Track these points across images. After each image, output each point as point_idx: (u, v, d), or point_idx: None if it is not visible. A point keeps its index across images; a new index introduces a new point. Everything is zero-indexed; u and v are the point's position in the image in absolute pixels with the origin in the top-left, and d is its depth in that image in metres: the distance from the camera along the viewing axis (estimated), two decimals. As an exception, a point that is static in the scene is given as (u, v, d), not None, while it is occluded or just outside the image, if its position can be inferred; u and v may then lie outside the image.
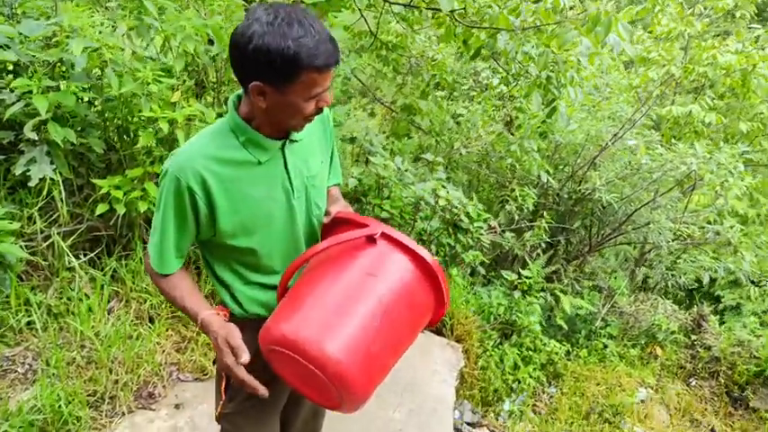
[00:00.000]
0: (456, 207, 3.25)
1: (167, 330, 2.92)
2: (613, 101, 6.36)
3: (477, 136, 4.73)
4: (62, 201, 2.84)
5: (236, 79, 1.32)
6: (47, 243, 2.82)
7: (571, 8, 3.86)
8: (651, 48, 6.80)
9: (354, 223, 1.44)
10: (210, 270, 1.53)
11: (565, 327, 4.93)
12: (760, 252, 5.83)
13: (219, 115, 2.97)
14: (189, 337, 2.95)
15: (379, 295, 1.29)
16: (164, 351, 2.82)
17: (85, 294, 2.81)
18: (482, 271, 3.92)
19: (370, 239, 1.35)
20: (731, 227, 5.31)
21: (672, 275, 5.99)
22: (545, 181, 4.89)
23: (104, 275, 2.91)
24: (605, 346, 5.23)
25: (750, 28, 7.18)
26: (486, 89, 5.92)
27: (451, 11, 3.84)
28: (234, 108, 1.38)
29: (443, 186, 3.28)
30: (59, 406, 2.33)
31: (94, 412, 2.46)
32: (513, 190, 4.80)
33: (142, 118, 2.84)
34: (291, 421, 1.90)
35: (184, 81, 3.01)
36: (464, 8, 4.16)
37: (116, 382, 2.57)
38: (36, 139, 2.71)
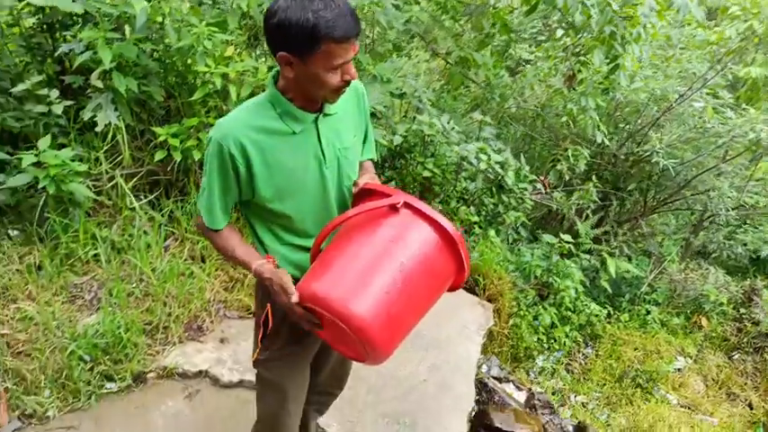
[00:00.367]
0: (498, 169, 3.25)
1: (217, 270, 3.16)
2: (687, 57, 5.99)
3: (532, 92, 4.61)
4: (125, 145, 3.06)
5: None
6: (111, 183, 3.07)
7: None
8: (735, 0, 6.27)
9: (380, 194, 1.53)
10: (252, 230, 1.67)
11: (609, 289, 4.91)
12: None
13: (270, 68, 3.07)
14: (236, 278, 3.18)
15: (400, 260, 1.38)
16: (213, 289, 3.07)
17: (144, 232, 3.07)
18: (523, 233, 3.94)
19: (393, 208, 1.44)
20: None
21: (729, 245, 5.78)
22: (600, 141, 4.76)
23: (162, 216, 3.15)
24: (648, 312, 5.19)
25: None
26: (549, 39, 5.70)
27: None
28: (273, 83, 1.48)
29: (486, 149, 3.28)
30: (119, 332, 2.61)
31: (150, 340, 2.75)
32: (566, 149, 4.71)
33: (198, 71, 2.97)
34: (321, 367, 2.08)
35: (239, 35, 3.10)
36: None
37: (169, 314, 2.84)
38: (101, 87, 2.90)
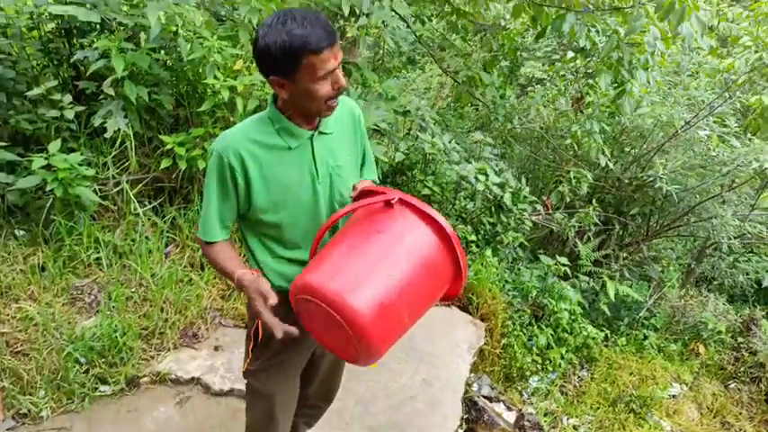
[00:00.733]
0: (495, 190, 3.29)
1: (214, 278, 3.22)
2: (695, 84, 6.02)
3: (538, 113, 4.65)
4: (132, 151, 3.14)
5: None
6: (117, 189, 3.14)
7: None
8: (747, 29, 6.30)
9: (378, 195, 1.57)
10: (244, 242, 1.73)
11: (608, 312, 4.91)
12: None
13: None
14: (233, 287, 3.24)
15: (395, 253, 1.42)
16: (210, 297, 3.12)
17: (147, 238, 3.13)
18: (520, 252, 3.97)
19: (388, 204, 1.48)
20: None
21: (731, 274, 5.77)
22: (604, 165, 4.79)
23: (164, 222, 3.22)
24: (645, 337, 5.18)
25: None
26: (562, 59, 5.75)
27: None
28: (272, 101, 1.57)
29: (485, 169, 3.32)
30: (116, 336, 2.67)
31: (145, 344, 2.81)
32: (568, 171, 4.74)
33: (207, 83, 3.05)
34: (311, 380, 2.13)
35: (249, 50, 3.17)
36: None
37: (166, 320, 2.90)
38: (113, 94, 2.98)
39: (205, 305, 3.06)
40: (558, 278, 4.10)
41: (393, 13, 3.37)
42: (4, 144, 2.87)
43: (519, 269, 4.53)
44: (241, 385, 2.43)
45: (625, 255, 5.58)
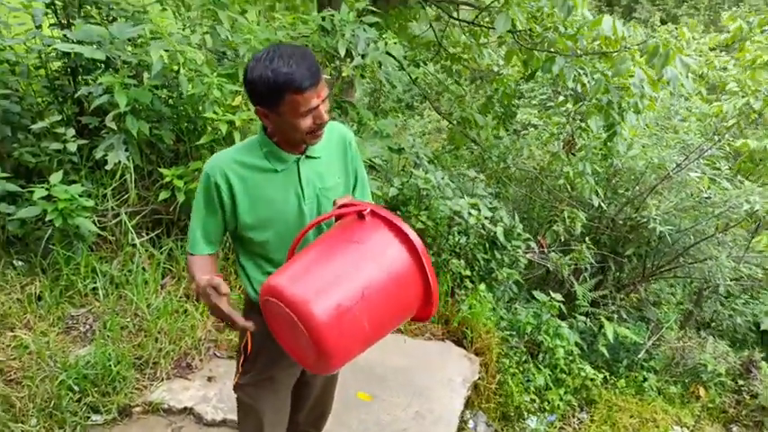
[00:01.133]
0: (487, 225, 3.35)
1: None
2: (685, 128, 6.16)
3: (531, 155, 4.76)
4: (132, 184, 3.21)
5: None
6: (116, 220, 3.20)
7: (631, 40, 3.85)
8: (735, 76, 6.51)
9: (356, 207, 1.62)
10: (238, 261, 1.80)
11: (606, 354, 4.88)
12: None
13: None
14: (228, 319, 3.24)
15: (360, 263, 1.44)
16: (204, 328, 3.12)
17: (143, 269, 3.16)
18: (515, 289, 3.99)
19: (360, 216, 1.51)
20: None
21: (729, 316, 5.75)
22: (597, 205, 4.86)
23: (161, 254, 3.25)
24: (645, 379, 5.12)
25: None
26: (552, 107, 5.92)
27: (511, 31, 3.93)
28: (262, 128, 1.67)
29: (477, 204, 3.39)
30: (110, 365, 2.66)
31: (138, 374, 2.79)
32: (562, 211, 4.81)
33: (207, 118, 3.15)
34: (302, 405, 2.13)
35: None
36: (528, 30, 4.24)
37: (160, 350, 2.89)
38: (115, 128, 3.08)
39: (200, 336, 3.06)
40: (554, 317, 4.10)
41: (387, 56, 3.51)
42: (6, 175, 2.95)
43: (515, 308, 4.53)
44: (233, 416, 2.41)
45: (622, 296, 5.58)
